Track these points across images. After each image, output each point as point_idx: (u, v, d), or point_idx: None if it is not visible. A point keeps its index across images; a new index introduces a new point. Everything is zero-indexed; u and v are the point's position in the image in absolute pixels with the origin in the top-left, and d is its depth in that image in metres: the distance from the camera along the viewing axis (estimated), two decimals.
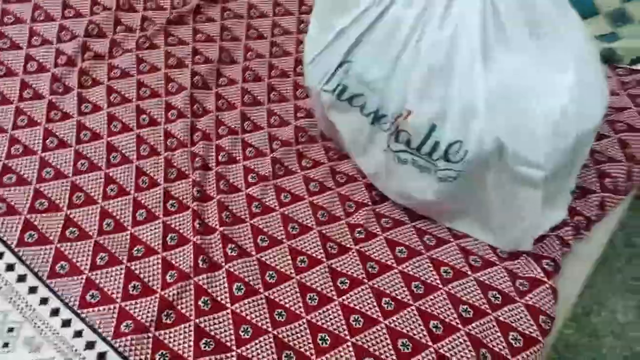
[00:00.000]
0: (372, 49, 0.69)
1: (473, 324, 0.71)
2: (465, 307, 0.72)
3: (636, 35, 1.02)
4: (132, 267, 0.76)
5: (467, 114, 0.63)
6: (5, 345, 0.67)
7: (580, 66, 0.62)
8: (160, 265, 0.77)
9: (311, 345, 0.69)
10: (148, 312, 0.71)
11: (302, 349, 0.69)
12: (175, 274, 0.75)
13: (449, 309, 0.72)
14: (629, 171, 0.86)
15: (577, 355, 1.31)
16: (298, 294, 0.75)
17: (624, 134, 0.90)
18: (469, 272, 0.76)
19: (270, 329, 0.70)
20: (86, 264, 0.75)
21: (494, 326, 0.71)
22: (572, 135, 0.62)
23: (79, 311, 0.71)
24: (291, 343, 0.69)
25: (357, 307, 0.73)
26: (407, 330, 0.70)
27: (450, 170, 0.67)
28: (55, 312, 0.71)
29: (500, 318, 0.71)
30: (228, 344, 0.69)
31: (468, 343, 0.69)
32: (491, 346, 0.69)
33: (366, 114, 0.74)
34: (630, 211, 1.15)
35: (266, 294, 0.74)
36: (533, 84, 0.61)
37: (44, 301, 0.72)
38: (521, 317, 0.71)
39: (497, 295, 0.74)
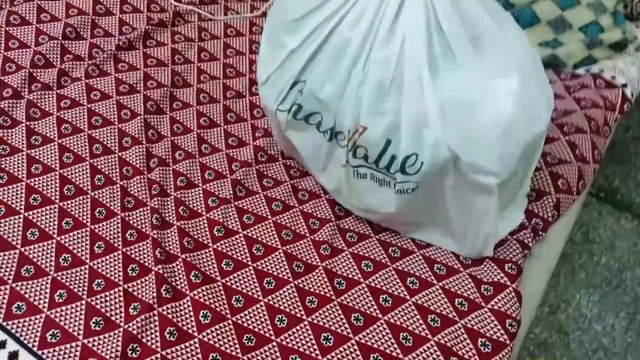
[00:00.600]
0: (323, 68, 0.69)
1: (442, 333, 0.71)
2: (433, 316, 0.73)
3: (576, 41, 1.07)
4: (93, 302, 0.74)
5: (419, 126, 0.64)
6: None
7: (523, 73, 0.64)
8: (122, 298, 0.74)
9: None
10: (112, 347, 0.69)
11: None
12: (139, 306, 0.73)
13: (418, 319, 0.73)
14: (580, 171, 0.89)
15: (547, 353, 1.33)
16: (266, 317, 0.74)
17: (572, 135, 0.93)
18: (435, 281, 0.77)
19: (240, 355, 0.69)
20: (44, 302, 0.72)
21: (462, 334, 0.71)
22: (522, 140, 0.64)
23: (39, 352, 0.68)
24: None
25: (326, 326, 0.72)
26: (378, 345, 0.70)
27: (408, 182, 0.68)
28: (14, 356, 0.68)
29: (468, 325, 0.72)
30: None
31: (438, 353, 0.69)
32: (461, 354, 0.70)
33: (323, 132, 0.74)
34: (585, 208, 1.19)
35: (234, 319, 0.73)
36: (479, 94, 0.62)
37: (1, 345, 0.68)
38: (488, 323, 0.72)
39: (464, 302, 0.74)
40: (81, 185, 0.86)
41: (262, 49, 0.78)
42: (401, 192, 0.70)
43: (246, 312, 0.74)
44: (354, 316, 0.73)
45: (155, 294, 0.74)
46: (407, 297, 0.75)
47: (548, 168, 0.88)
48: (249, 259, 0.80)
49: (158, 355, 0.68)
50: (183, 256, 0.78)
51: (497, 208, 0.69)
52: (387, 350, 0.70)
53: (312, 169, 0.84)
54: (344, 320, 0.73)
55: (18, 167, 0.86)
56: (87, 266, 0.78)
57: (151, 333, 0.70)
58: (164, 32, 1.11)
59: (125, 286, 0.76)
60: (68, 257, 0.78)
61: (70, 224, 0.82)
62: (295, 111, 0.74)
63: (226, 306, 0.74)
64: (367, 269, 0.79)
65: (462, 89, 0.62)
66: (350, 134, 0.69)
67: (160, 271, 0.76)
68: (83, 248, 0.79)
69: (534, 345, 1.34)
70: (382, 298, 0.75)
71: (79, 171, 0.88)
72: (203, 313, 0.73)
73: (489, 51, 0.63)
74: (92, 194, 0.86)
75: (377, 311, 0.74)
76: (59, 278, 0.75)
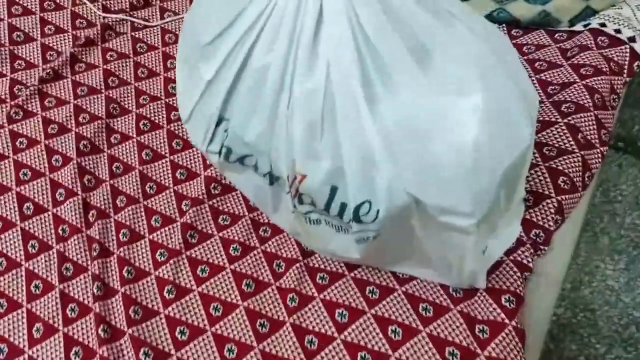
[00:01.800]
0: (244, 103, 0.56)
1: None
2: None
3: None
4: None
5: (366, 169, 0.51)
6: None
7: (489, 80, 0.49)
8: None
9: None
10: None
11: None
12: None
13: None
14: (585, 161, 0.74)
15: (573, 335, 1.22)
16: None
17: (572, 116, 0.78)
18: (420, 327, 0.65)
19: None
20: None
21: None
22: (498, 167, 0.51)
23: None
24: None
25: None
26: None
27: (366, 231, 0.55)
28: None
29: None
30: None
31: None
32: None
33: (262, 175, 0.61)
34: (604, 165, 1.02)
35: None
36: (433, 118, 0.49)
37: None
38: None
39: (456, 352, 0.63)
40: (13, 256, 0.76)
41: (179, 78, 0.64)
42: (362, 241, 0.57)
43: None
44: None
45: None
46: (389, 351, 0.64)
47: (546, 163, 0.74)
48: (205, 322, 0.69)
49: None
50: (130, 331, 0.68)
51: (477, 245, 0.56)
52: None
53: (263, 210, 0.72)
54: None
55: None
56: (25, 356, 0.68)
57: None
58: (93, 51, 0.98)
59: None
60: (4, 346, 0.69)
61: (4, 306, 0.72)
62: (225, 154, 0.61)
63: None
64: (341, 319, 0.67)
65: (410, 115, 0.49)
66: (290, 180, 0.56)
67: (105, 354, 0.66)
68: (19, 334, 0.70)
69: (557, 328, 1.23)
70: (361, 357, 0.64)
71: (9, 240, 0.77)
72: None
73: (438, 61, 0.49)
74: (26, 265, 0.75)
75: None
76: None
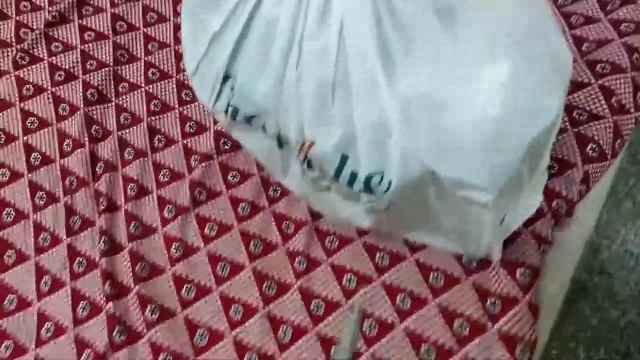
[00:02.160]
0: (252, 59, 0.52)
1: None
2: (427, 347, 0.60)
3: None
4: (41, 354, 0.65)
5: (380, 137, 0.47)
6: None
7: (519, 46, 0.45)
8: (73, 345, 0.66)
9: None
10: None
11: None
12: (91, 354, 0.64)
13: (409, 352, 0.60)
14: (617, 127, 0.69)
15: (586, 298, 1.20)
16: (235, 356, 0.63)
17: (607, 77, 0.72)
18: (430, 298, 0.63)
19: None
20: None
21: None
22: (519, 143, 0.46)
23: None
24: None
25: None
26: None
27: (376, 202, 0.52)
28: None
29: (469, 356, 0.59)
30: None
31: None
32: None
33: (270, 137, 0.58)
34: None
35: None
36: (454, 88, 0.44)
37: None
38: (494, 351, 0.59)
39: (464, 325, 0.61)
40: (20, 208, 0.75)
41: (184, 29, 0.60)
42: (372, 211, 0.55)
43: (212, 351, 0.64)
44: (334, 349, 0.62)
45: (107, 339, 0.64)
46: (396, 321, 0.62)
47: (575, 128, 0.70)
48: (212, 282, 0.68)
49: None
50: (136, 287, 0.68)
51: (495, 217, 0.53)
52: None
53: (272, 172, 0.69)
54: (324, 357, 0.62)
55: None
56: (35, 308, 0.69)
57: None
58: None
59: (76, 331, 0.66)
60: (13, 297, 0.69)
61: (12, 257, 0.72)
62: (232, 113, 0.58)
63: (189, 345, 0.64)
64: (349, 285, 0.66)
65: (430, 82, 0.45)
66: (299, 145, 0.53)
67: (112, 310, 0.66)
68: (27, 286, 0.70)
69: (571, 290, 1.20)
70: (367, 324, 0.63)
71: (17, 191, 0.77)
72: (163, 356, 0.64)
73: (465, 23, 0.44)
74: (34, 217, 0.75)
75: (361, 342, 0.62)
76: (3, 328, 0.67)
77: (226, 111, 0.59)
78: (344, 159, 0.50)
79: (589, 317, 1.19)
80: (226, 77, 0.57)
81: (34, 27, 0.89)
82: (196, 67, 0.60)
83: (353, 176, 0.51)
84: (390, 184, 0.49)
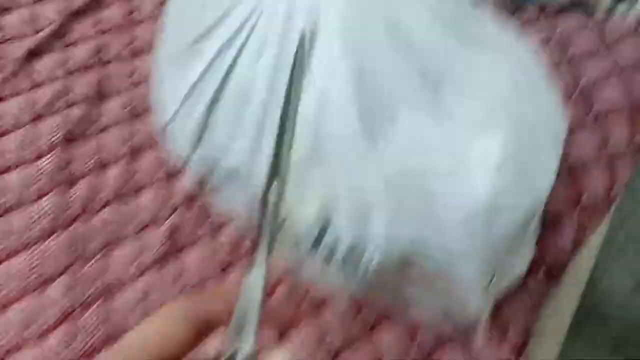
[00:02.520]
0: (227, 117, 0.49)
1: None
2: None
3: None
4: None
5: (361, 209, 0.44)
6: None
7: (512, 118, 0.41)
8: None
9: None
10: None
11: None
12: None
13: None
14: (613, 173, 0.66)
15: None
16: None
17: (604, 119, 0.68)
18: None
19: None
20: None
21: None
22: (511, 219, 0.43)
23: None
24: None
25: None
26: None
27: (355, 274, 0.49)
28: None
29: None
30: None
31: None
32: None
33: (248, 196, 0.54)
34: None
35: None
36: (440, 162, 0.41)
37: None
38: None
39: None
40: None
41: (156, 78, 0.57)
42: (351, 280, 0.51)
43: None
44: None
45: None
46: None
47: (568, 175, 0.66)
48: None
49: None
50: None
51: (482, 289, 0.50)
52: None
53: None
54: None
55: None
56: None
57: None
58: (84, 21, 0.89)
59: None
60: None
61: None
62: (208, 168, 0.54)
63: None
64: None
65: (414, 156, 0.41)
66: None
67: None
68: None
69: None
70: None
71: None
72: None
73: (453, 93, 0.40)
74: None
75: None
76: None
77: (199, 167, 0.55)
78: (323, 229, 0.47)
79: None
80: (202, 131, 0.53)
81: (9, 57, 0.85)
82: (169, 119, 0.56)
83: (333, 247, 0.48)
84: (371, 258, 0.46)
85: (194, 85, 0.52)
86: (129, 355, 0.23)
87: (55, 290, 0.67)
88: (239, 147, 0.49)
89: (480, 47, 0.42)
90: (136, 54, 0.87)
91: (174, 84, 0.56)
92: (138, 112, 0.81)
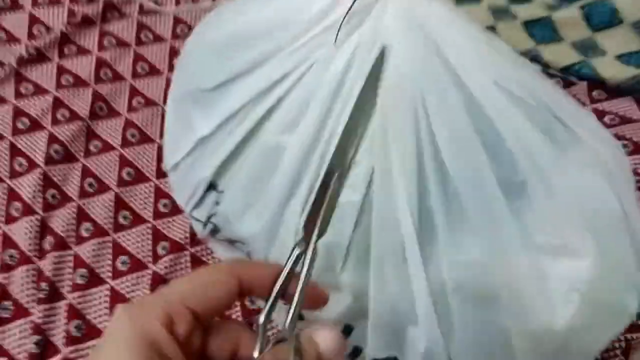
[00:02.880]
0: (244, 183, 0.40)
1: None
2: None
3: None
4: None
5: (399, 320, 0.36)
6: None
7: (601, 236, 0.34)
8: None
9: None
10: None
11: None
12: None
13: None
14: None
15: None
16: None
17: None
18: None
19: None
20: None
21: None
22: (586, 353, 0.35)
23: None
24: None
25: None
26: None
27: None
28: None
29: None
30: None
31: None
32: None
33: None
34: None
35: None
36: (510, 283, 0.33)
37: None
38: None
39: None
40: None
41: (169, 115, 0.49)
42: None
43: None
44: None
45: None
46: None
47: None
48: None
49: None
50: None
51: None
52: None
53: None
54: None
55: None
56: None
57: None
58: (89, 33, 0.82)
59: None
60: None
61: None
62: (212, 230, 0.46)
63: None
64: None
65: (480, 269, 0.33)
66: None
67: None
68: None
69: None
70: None
71: None
72: None
73: (535, 201, 0.33)
74: None
75: None
76: None
77: (205, 224, 0.47)
78: (348, 330, 0.38)
79: None
80: (211, 187, 0.45)
81: (4, 61, 0.77)
82: (176, 164, 0.48)
83: (356, 351, 0.39)
84: None
85: (204, 140, 0.45)
86: (170, 299, 0.24)
87: None
88: (255, 222, 0.41)
89: (571, 142, 0.35)
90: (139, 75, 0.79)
91: (181, 131, 0.48)
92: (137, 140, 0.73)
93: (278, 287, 0.26)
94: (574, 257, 0.33)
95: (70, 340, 0.59)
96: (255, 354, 0.25)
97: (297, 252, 0.27)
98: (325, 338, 0.25)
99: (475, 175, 0.32)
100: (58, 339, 0.59)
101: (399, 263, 0.34)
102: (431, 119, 0.32)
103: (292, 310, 0.26)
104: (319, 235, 0.27)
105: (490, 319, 0.34)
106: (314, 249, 0.27)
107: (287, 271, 0.27)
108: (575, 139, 0.35)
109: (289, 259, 0.27)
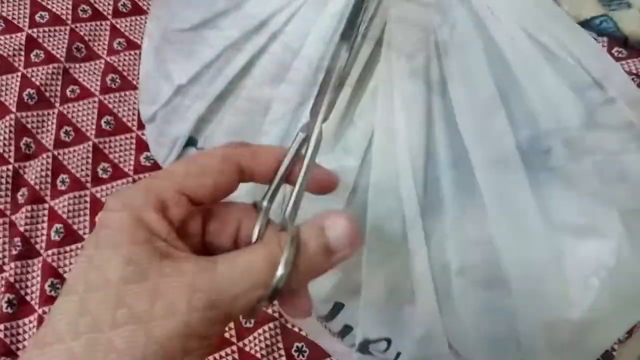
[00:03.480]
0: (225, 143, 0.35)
1: None
2: None
3: None
4: None
5: (395, 299, 0.32)
6: None
7: (626, 221, 0.29)
8: None
9: None
10: None
11: None
12: None
13: None
14: None
15: None
16: None
17: None
18: None
19: None
20: None
21: None
22: (600, 344, 0.32)
23: None
24: None
25: None
26: None
27: None
28: None
29: None
30: None
31: None
32: None
33: None
34: None
35: None
36: (526, 264, 0.29)
37: None
38: None
39: None
40: None
41: (145, 61, 0.43)
42: None
43: None
44: None
45: None
46: None
47: None
48: None
49: None
50: None
51: None
52: None
53: None
54: None
55: None
56: None
57: None
58: None
59: None
60: None
61: None
62: None
63: None
64: None
65: (490, 249, 0.29)
66: None
67: None
68: None
69: None
70: None
71: None
72: None
73: (560, 172, 0.28)
74: None
75: None
76: None
77: None
78: (337, 307, 0.35)
79: None
80: (190, 143, 0.40)
81: None
82: (152, 114, 0.43)
83: (346, 329, 0.35)
84: (398, 356, 0.34)
85: (180, 89, 0.39)
86: (162, 185, 0.23)
87: None
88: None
89: (600, 104, 0.30)
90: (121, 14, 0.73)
91: (156, 76, 0.42)
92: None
93: (283, 170, 0.24)
94: (598, 237, 0.29)
95: (45, 299, 0.55)
96: (253, 238, 0.23)
97: (302, 136, 0.24)
98: (335, 224, 0.22)
99: (492, 139, 0.27)
100: (32, 297, 0.56)
101: (397, 237, 0.30)
102: (444, 72, 0.27)
103: (294, 193, 0.23)
104: (324, 119, 0.25)
105: (498, 304, 0.30)
106: (319, 131, 0.24)
107: (292, 154, 0.24)
108: (608, 100, 0.30)
109: (293, 141, 0.24)
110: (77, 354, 0.20)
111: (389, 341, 0.33)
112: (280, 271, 0.21)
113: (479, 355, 0.32)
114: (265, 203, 0.24)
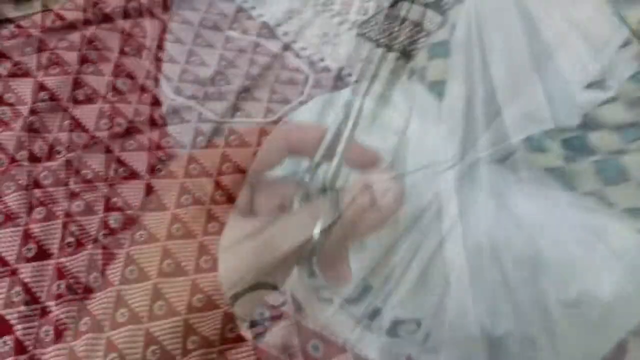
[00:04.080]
0: None
1: None
2: None
3: None
4: None
5: (425, 282, 0.32)
6: None
7: None
8: None
9: None
10: None
11: None
12: None
13: None
14: None
15: None
16: None
17: None
18: None
19: None
20: None
21: None
22: (625, 324, 0.32)
23: None
24: None
25: None
26: None
27: (403, 348, 0.37)
28: None
29: None
30: None
31: None
32: None
33: None
34: None
35: None
36: (558, 242, 0.30)
37: None
38: None
39: None
40: None
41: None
42: (391, 353, 0.39)
43: None
44: None
45: None
46: None
47: None
48: None
49: None
50: None
51: None
52: None
53: None
54: None
55: None
56: None
57: None
58: None
59: None
60: None
61: None
62: None
63: None
64: None
65: (523, 229, 0.29)
66: None
67: None
68: None
69: None
70: None
71: None
72: None
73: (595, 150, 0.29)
74: None
75: None
76: None
77: None
78: (366, 289, 0.35)
79: None
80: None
81: None
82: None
83: (375, 312, 0.36)
84: (427, 337, 0.34)
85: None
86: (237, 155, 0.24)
87: None
88: None
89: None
90: None
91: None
92: None
93: (325, 146, 0.25)
94: (628, 216, 0.29)
95: (58, 296, 0.55)
96: (295, 207, 0.24)
97: (343, 113, 0.26)
98: (380, 181, 0.23)
99: (531, 120, 0.28)
100: (45, 298, 0.56)
101: (432, 217, 0.30)
102: (486, 51, 0.28)
103: (334, 164, 0.25)
104: (364, 97, 0.26)
105: (530, 283, 0.30)
106: (361, 106, 0.25)
107: (333, 131, 0.25)
108: (608, 100, 0.31)
109: (335, 119, 0.25)
110: None
111: (418, 323, 0.34)
112: (320, 224, 0.22)
113: (510, 339, 0.32)
114: (307, 176, 0.25)
